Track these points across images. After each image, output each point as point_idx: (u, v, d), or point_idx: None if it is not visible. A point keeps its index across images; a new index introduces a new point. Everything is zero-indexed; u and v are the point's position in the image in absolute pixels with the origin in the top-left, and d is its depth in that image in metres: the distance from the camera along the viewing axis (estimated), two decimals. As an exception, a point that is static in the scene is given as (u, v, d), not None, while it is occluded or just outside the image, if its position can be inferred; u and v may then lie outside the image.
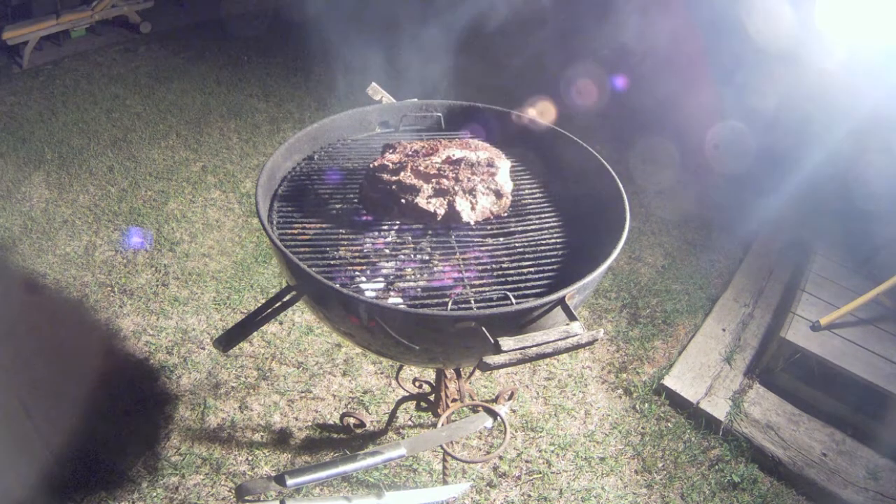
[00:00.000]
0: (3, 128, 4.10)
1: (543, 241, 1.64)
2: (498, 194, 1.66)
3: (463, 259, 1.57)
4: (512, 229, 1.69)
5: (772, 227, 3.74)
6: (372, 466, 1.70)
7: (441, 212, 1.60)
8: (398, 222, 1.67)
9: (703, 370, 2.82)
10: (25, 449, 2.18)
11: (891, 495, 2.36)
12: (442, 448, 1.95)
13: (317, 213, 1.70)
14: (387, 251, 1.60)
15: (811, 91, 3.27)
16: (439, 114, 2.11)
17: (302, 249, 1.57)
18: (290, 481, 1.49)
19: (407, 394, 2.26)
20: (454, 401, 2.05)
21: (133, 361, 2.69)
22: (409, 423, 2.55)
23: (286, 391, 2.61)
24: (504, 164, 1.73)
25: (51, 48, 5.08)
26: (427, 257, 1.58)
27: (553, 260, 1.58)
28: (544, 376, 2.79)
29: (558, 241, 1.65)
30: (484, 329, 1.27)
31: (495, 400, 2.52)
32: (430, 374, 2.24)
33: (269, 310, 1.48)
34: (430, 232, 1.65)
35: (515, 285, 1.48)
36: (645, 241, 3.65)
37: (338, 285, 1.36)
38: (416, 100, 2.12)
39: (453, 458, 1.96)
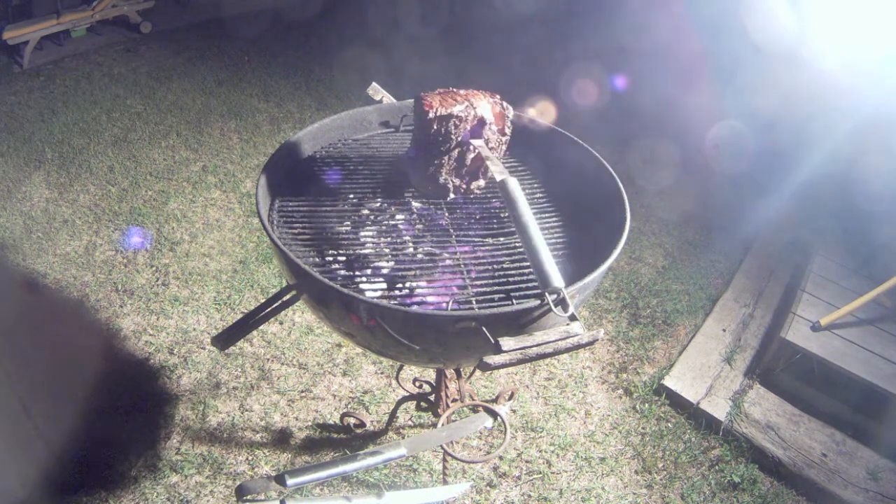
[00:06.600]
0: (4, 128, 4.10)
1: (544, 241, 1.64)
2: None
3: (463, 259, 1.57)
4: (512, 229, 1.69)
5: (772, 228, 3.74)
6: (372, 466, 1.70)
7: None
8: (400, 222, 1.67)
9: (704, 370, 2.82)
10: (25, 449, 2.18)
11: (891, 496, 2.36)
12: (442, 448, 1.95)
13: (317, 212, 1.70)
14: (388, 251, 1.60)
15: (811, 91, 3.27)
16: (440, 114, 2.11)
17: (302, 249, 1.57)
18: (290, 481, 1.49)
19: (407, 394, 2.26)
20: (454, 401, 2.05)
21: (133, 361, 2.69)
22: (409, 423, 2.55)
23: (286, 391, 2.61)
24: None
25: (51, 48, 5.07)
26: (428, 257, 1.58)
27: (554, 260, 1.58)
28: (544, 376, 2.79)
29: (559, 241, 1.65)
30: (484, 329, 1.27)
31: (495, 400, 2.52)
32: (431, 374, 2.24)
33: (268, 309, 1.48)
34: (429, 233, 1.65)
35: (516, 285, 1.48)
36: (645, 242, 3.65)
37: (338, 285, 1.36)
38: (416, 100, 2.12)
39: (453, 458, 1.95)
